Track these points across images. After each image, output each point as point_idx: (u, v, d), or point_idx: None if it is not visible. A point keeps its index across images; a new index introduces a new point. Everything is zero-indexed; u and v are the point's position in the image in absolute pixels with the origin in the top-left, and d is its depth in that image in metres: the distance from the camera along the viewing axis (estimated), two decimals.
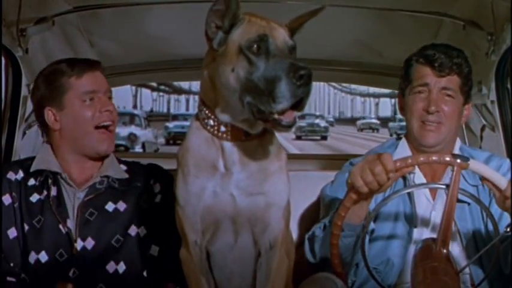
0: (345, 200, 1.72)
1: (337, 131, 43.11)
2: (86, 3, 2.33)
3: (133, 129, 18.26)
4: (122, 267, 1.96)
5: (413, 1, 2.27)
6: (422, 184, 1.95)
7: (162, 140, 24.34)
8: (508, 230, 1.68)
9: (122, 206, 1.99)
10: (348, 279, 1.92)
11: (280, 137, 1.75)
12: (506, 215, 1.77)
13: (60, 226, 1.94)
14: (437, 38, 2.38)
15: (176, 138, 23.05)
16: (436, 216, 1.91)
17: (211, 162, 1.65)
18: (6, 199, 1.96)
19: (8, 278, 1.92)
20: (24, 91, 2.33)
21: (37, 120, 2.10)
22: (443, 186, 1.75)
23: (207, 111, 1.64)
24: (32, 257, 1.93)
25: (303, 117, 32.91)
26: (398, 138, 2.12)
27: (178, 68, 2.96)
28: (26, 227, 1.94)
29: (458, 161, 1.68)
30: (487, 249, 1.74)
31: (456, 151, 2.02)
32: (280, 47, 1.52)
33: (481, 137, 2.48)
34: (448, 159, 1.70)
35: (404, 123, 2.13)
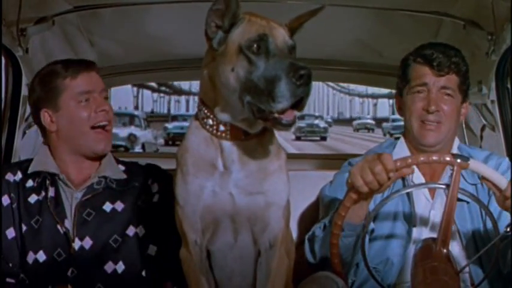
0: (345, 200, 1.72)
1: (335, 132, 43.11)
2: (86, 3, 2.33)
3: (133, 130, 18.31)
4: (120, 267, 1.95)
5: (414, 1, 2.27)
6: (423, 184, 1.95)
7: (161, 141, 24.35)
8: (508, 229, 1.68)
9: (119, 206, 1.99)
10: (347, 278, 1.92)
11: (280, 137, 1.75)
12: (505, 213, 1.77)
13: (58, 226, 1.94)
14: (438, 38, 2.37)
15: (175, 139, 23.06)
16: (435, 215, 1.91)
17: (210, 161, 1.65)
18: (5, 200, 1.97)
19: (8, 279, 1.92)
20: (24, 91, 2.32)
21: (34, 122, 2.10)
22: (444, 186, 1.75)
23: (206, 111, 1.64)
24: (30, 257, 1.93)
25: (302, 117, 32.94)
26: (397, 138, 2.12)
27: (178, 68, 2.96)
28: (24, 228, 1.94)
29: (459, 160, 1.68)
30: (486, 249, 1.74)
31: (455, 150, 2.02)
32: (280, 47, 1.52)
33: (481, 137, 2.48)
34: (448, 159, 1.70)
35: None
